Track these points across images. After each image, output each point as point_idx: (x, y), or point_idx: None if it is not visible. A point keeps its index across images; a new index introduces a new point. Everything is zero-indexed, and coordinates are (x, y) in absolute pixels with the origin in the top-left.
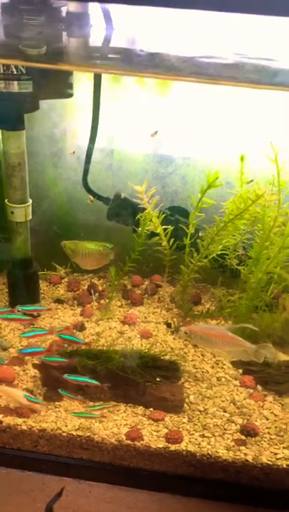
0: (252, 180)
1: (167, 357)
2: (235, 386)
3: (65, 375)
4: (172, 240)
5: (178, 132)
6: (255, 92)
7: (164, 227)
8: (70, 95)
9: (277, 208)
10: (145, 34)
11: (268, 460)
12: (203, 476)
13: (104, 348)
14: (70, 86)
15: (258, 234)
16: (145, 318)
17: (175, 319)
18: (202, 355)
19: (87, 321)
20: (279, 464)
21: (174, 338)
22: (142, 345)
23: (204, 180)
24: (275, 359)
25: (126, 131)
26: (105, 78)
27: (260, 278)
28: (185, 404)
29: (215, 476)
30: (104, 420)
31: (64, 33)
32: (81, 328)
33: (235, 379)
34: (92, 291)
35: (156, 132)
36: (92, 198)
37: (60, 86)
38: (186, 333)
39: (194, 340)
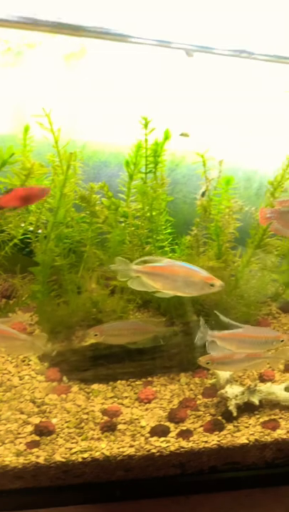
0: None
1: None
2: (40, 382)
3: None
4: None
5: None
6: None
7: None
8: None
9: (60, 184)
10: None
11: (62, 457)
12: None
13: None
14: None
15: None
16: None
17: None
18: (8, 354)
19: None
20: (74, 458)
21: None
22: None
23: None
24: (46, 350)
25: None
26: None
27: (43, 259)
28: None
29: (12, 486)
30: None
31: None
32: None
33: (42, 374)
34: None
35: None
36: None
37: None
38: None
39: None
